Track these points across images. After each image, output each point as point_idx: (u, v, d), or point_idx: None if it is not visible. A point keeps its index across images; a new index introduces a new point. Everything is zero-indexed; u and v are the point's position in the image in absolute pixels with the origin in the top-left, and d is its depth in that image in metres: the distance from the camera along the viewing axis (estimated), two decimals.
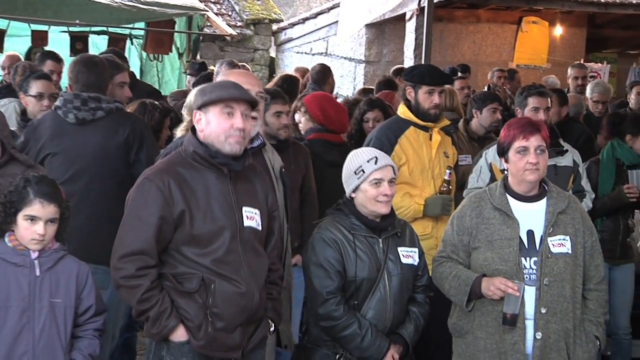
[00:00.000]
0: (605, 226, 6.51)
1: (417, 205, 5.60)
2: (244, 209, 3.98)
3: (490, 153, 5.91)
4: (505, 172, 4.53)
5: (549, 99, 6.03)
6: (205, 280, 3.84)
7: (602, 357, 6.59)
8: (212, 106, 3.92)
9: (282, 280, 4.26)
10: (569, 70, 10.29)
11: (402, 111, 5.80)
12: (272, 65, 15.63)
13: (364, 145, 5.62)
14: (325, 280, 4.34)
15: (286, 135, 5.60)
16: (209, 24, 14.12)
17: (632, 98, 9.67)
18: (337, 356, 4.41)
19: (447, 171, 5.69)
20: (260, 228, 4.04)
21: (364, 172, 4.41)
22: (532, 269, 4.30)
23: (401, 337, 4.45)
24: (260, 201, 4.09)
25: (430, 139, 5.77)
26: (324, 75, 9.27)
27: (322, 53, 15.08)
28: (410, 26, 12.27)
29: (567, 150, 5.98)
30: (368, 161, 4.44)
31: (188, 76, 9.85)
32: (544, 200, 4.43)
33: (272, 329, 4.13)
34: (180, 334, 3.86)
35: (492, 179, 5.73)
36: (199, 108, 3.96)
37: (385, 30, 13.92)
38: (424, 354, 5.51)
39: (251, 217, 4.00)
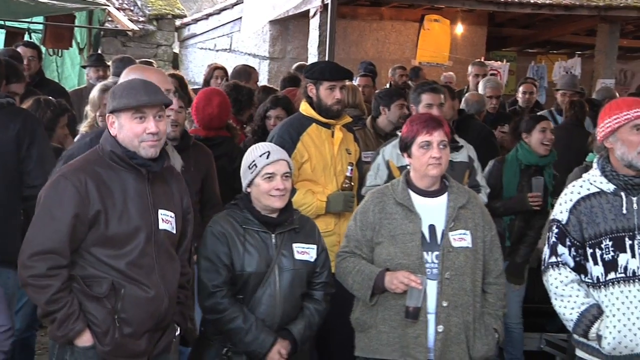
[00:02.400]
0: (509, 229, 6.63)
1: (320, 202, 5.62)
2: (160, 211, 3.95)
3: (387, 150, 5.98)
4: (408, 167, 4.56)
5: (442, 95, 6.15)
6: (115, 285, 3.79)
7: (499, 349, 6.75)
8: (123, 111, 3.87)
9: (189, 284, 4.25)
10: (470, 68, 10.46)
11: (304, 108, 5.80)
12: (175, 61, 15.48)
13: (267, 141, 5.58)
14: (212, 273, 4.36)
15: (175, 134, 5.46)
16: (110, 18, 13.90)
17: (519, 96, 9.92)
18: (225, 350, 4.43)
19: (349, 168, 5.72)
20: (174, 231, 4.02)
21: (256, 166, 4.44)
22: (434, 263, 4.36)
23: (290, 334, 4.46)
24: (176, 204, 4.06)
25: (332, 136, 5.78)
26: (245, 75, 9.13)
27: (226, 49, 14.99)
28: (314, 23, 12.29)
29: (462, 146, 6.09)
30: (260, 156, 4.46)
31: (87, 70, 9.66)
32: (445, 195, 4.50)
33: (177, 332, 4.11)
34: (85, 339, 3.81)
35: (390, 176, 5.79)
36: (111, 112, 3.90)
37: (289, 26, 13.93)
38: (326, 350, 5.53)
39: (166, 220, 3.97)
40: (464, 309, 4.37)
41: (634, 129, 4.08)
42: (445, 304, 4.32)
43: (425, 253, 4.36)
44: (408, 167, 4.58)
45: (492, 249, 4.52)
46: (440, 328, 4.32)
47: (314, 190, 5.66)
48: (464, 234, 4.41)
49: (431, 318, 4.33)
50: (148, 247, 3.87)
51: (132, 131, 3.85)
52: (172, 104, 4.38)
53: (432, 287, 4.32)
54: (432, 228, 4.41)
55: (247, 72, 9.05)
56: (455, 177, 5.78)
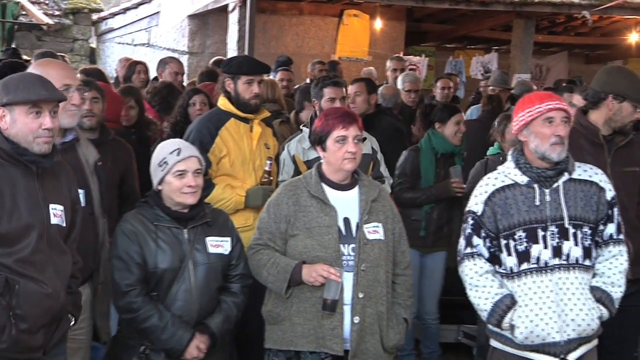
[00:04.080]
0: (426, 219, 6.67)
1: (239, 196, 5.60)
2: (51, 206, 3.87)
3: (293, 145, 6.01)
4: (321, 160, 4.58)
5: (343, 89, 6.17)
6: (9, 282, 3.70)
7: (415, 340, 6.84)
8: (17, 105, 3.77)
9: (80, 272, 4.15)
10: (388, 63, 10.54)
11: (222, 103, 5.77)
12: (92, 56, 15.25)
13: (184, 137, 5.58)
14: (125, 272, 4.34)
15: (90, 124, 5.39)
16: (24, 12, 13.60)
17: (437, 92, 10.05)
18: (143, 349, 4.40)
19: (268, 162, 5.71)
20: (64, 225, 3.94)
21: (167, 164, 4.42)
22: (350, 256, 4.39)
23: (208, 328, 4.45)
24: (65, 196, 3.99)
25: (251, 131, 5.76)
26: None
27: (145, 44, 14.84)
28: (233, 17, 12.23)
29: (365, 138, 6.12)
30: (171, 153, 4.44)
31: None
32: (357, 189, 4.53)
33: (72, 323, 4.05)
34: None
35: (296, 171, 5.82)
36: (4, 105, 3.80)
37: (208, 21, 13.85)
38: (244, 342, 5.52)
39: (57, 215, 3.89)
40: (378, 300, 4.42)
41: (546, 122, 4.15)
42: (361, 295, 4.36)
43: (341, 246, 4.39)
44: (321, 160, 4.59)
45: (400, 240, 4.58)
46: (357, 319, 4.35)
47: (233, 185, 5.63)
48: (377, 226, 4.46)
49: (347, 309, 4.36)
50: (40, 244, 3.79)
51: (28, 126, 3.77)
52: (75, 100, 4.32)
53: (348, 279, 4.35)
54: (346, 221, 4.44)
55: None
56: (359, 169, 5.85)
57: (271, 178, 5.74)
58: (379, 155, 6.27)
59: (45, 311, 3.79)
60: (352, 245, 4.40)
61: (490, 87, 9.87)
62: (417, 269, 6.54)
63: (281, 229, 4.47)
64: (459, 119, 6.69)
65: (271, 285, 4.47)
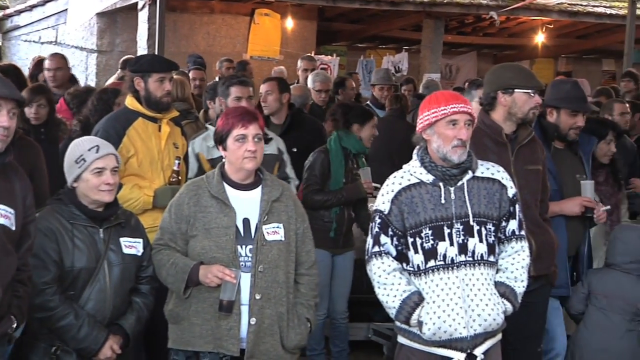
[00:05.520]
0: (336, 220, 6.67)
1: (147, 196, 5.55)
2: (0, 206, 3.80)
3: (197, 143, 6.01)
4: (223, 160, 4.57)
5: (250, 88, 6.19)
6: None
7: (325, 338, 6.87)
8: None
9: (30, 281, 4.09)
10: (299, 63, 10.56)
11: (130, 102, 5.71)
12: None
13: (91, 136, 5.49)
14: (41, 270, 4.26)
15: None
16: None
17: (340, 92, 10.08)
18: (54, 349, 4.34)
19: (176, 162, 5.68)
20: (13, 228, 3.86)
21: (85, 160, 4.37)
22: (248, 257, 4.40)
23: (121, 328, 4.44)
24: (17, 201, 3.91)
25: (160, 130, 5.72)
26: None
27: (52, 42, 14.56)
28: (143, 16, 12.12)
29: (271, 138, 6.15)
30: (89, 150, 4.39)
31: None
32: (259, 189, 4.53)
33: (14, 325, 3.96)
34: None
35: (200, 169, 5.82)
36: None
37: (117, 19, 13.67)
38: (152, 343, 5.48)
39: (5, 216, 3.82)
40: (277, 301, 4.42)
41: (449, 124, 4.19)
42: (258, 296, 4.37)
43: (239, 247, 4.39)
44: (223, 160, 4.58)
45: (304, 240, 4.58)
46: (253, 320, 4.36)
47: (141, 185, 5.59)
48: (277, 227, 4.46)
49: (244, 310, 4.36)
50: None
51: None
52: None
53: (245, 280, 4.36)
54: (246, 221, 4.44)
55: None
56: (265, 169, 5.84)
57: (180, 178, 5.70)
58: (285, 156, 6.28)
59: None
60: (250, 246, 4.41)
61: (378, 85, 9.94)
62: (328, 269, 6.58)
63: (182, 229, 4.45)
64: (374, 123, 6.73)
65: (170, 285, 4.47)
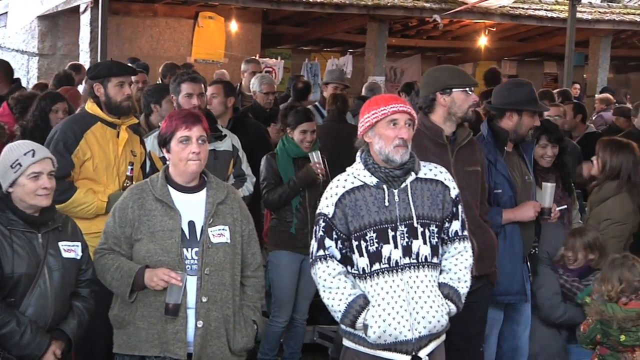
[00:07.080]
0: (297, 217, 6.64)
1: (100, 202, 5.54)
2: None
3: (149, 141, 6.01)
4: (168, 162, 4.55)
5: (201, 85, 6.21)
6: None
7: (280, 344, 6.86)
8: None
9: None
10: (243, 66, 10.51)
11: (90, 107, 5.70)
12: None
13: (47, 138, 5.54)
14: None
15: None
16: None
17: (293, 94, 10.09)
18: None
19: (130, 167, 5.67)
20: None
21: (21, 165, 4.33)
22: (194, 259, 4.38)
23: (63, 333, 4.41)
24: None
25: (118, 136, 5.71)
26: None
27: None
28: (85, 19, 12.04)
29: (225, 135, 6.12)
30: (25, 154, 4.35)
31: None
32: (204, 191, 4.51)
33: None
34: None
35: (153, 167, 5.83)
36: None
37: (59, 22, 13.57)
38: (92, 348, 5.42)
39: None
40: (224, 304, 4.41)
41: (390, 124, 4.21)
42: (204, 299, 4.35)
43: (185, 249, 4.37)
44: (167, 162, 4.56)
45: (250, 242, 4.57)
46: (200, 323, 4.35)
47: (95, 189, 5.57)
48: (223, 229, 4.44)
49: (191, 313, 4.35)
50: None
51: None
52: None
53: (191, 283, 4.34)
54: (191, 224, 4.42)
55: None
56: (219, 166, 5.82)
57: (133, 183, 5.67)
58: (241, 153, 6.28)
59: None
60: (196, 249, 4.39)
61: (332, 84, 9.95)
62: (295, 275, 6.62)
63: (126, 233, 4.43)
64: (304, 128, 6.63)
65: (115, 289, 4.43)
